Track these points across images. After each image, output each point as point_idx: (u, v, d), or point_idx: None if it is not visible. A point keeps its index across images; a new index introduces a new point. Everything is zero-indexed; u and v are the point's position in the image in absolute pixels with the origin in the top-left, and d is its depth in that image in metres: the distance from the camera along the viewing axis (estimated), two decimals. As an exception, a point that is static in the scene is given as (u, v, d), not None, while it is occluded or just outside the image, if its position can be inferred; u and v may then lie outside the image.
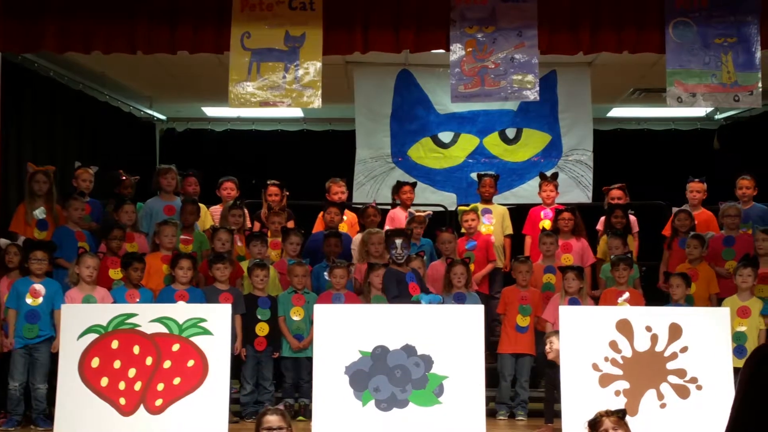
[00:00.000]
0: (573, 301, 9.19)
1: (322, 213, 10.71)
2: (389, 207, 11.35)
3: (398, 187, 11.13)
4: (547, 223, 10.50)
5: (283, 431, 5.93)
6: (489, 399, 9.13)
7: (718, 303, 9.28)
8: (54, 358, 8.40)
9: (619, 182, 11.00)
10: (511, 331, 9.51)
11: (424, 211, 10.65)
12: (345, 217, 10.81)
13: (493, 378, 9.13)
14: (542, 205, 10.86)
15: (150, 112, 15.07)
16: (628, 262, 9.45)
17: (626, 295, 9.14)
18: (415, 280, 9.03)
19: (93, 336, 8.07)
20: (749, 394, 2.07)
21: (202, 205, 10.74)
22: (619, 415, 5.63)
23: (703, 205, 10.62)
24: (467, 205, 10.75)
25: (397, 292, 8.88)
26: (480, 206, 10.76)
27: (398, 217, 10.75)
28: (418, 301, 8.61)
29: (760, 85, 9.58)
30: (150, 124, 15.36)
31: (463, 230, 10.53)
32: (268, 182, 10.94)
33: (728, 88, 9.57)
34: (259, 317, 9.28)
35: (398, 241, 8.97)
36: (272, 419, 5.92)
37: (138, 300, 8.87)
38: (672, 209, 10.57)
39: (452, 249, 10.01)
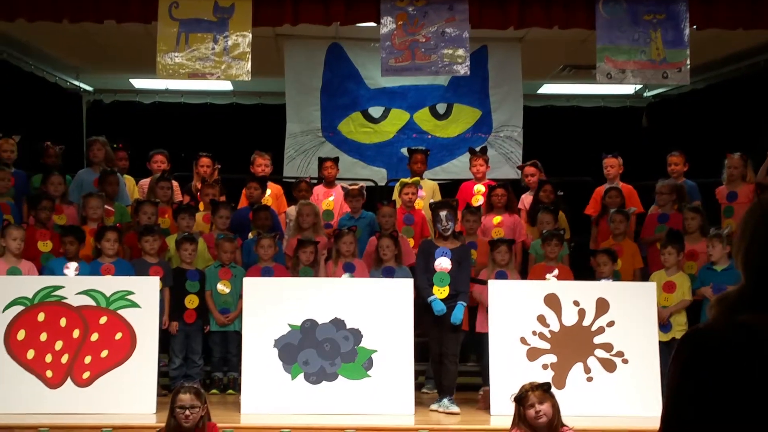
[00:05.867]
0: (500, 274, 9.13)
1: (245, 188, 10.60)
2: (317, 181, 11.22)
3: (320, 162, 11.02)
4: (479, 198, 10.47)
5: (196, 410, 5.95)
6: (419, 373, 9.14)
7: (642, 277, 9.38)
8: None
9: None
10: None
11: (357, 185, 10.50)
12: (269, 191, 10.68)
13: (423, 352, 9.12)
14: (473, 180, 10.82)
15: (76, 83, 14.80)
16: (559, 237, 9.47)
17: (555, 271, 9.16)
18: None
19: (19, 308, 7.98)
20: (684, 382, 2.04)
21: (129, 178, 10.59)
22: (544, 389, 5.67)
23: (626, 180, 10.67)
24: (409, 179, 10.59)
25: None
26: (421, 180, 10.61)
27: (318, 193, 10.63)
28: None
29: (688, 62, 9.69)
30: (77, 95, 15.08)
31: (399, 203, 10.42)
32: (200, 154, 10.82)
33: (657, 64, 9.67)
34: (188, 290, 9.19)
35: (443, 213, 8.64)
36: (185, 398, 5.98)
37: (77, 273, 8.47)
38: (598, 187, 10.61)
39: (392, 223, 9.79)
